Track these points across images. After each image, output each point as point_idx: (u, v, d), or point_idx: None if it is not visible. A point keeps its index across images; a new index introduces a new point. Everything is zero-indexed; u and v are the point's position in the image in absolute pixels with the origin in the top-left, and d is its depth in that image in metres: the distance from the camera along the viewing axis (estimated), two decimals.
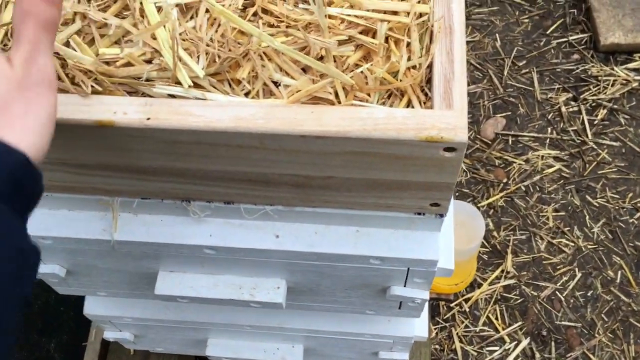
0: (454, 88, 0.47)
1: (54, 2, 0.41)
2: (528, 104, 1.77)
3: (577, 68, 1.81)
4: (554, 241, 1.56)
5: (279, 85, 0.49)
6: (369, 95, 0.49)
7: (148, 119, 0.47)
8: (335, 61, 0.49)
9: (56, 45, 0.48)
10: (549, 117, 1.75)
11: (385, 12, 0.50)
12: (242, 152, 0.49)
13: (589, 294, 1.49)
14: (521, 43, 1.88)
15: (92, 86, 0.48)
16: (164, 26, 0.48)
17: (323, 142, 0.47)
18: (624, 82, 1.77)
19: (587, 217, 1.59)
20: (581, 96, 1.76)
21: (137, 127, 0.47)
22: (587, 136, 1.70)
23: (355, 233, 0.59)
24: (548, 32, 1.88)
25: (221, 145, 0.48)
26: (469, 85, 1.80)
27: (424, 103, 0.49)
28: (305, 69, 0.49)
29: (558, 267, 1.53)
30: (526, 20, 1.91)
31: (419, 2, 0.51)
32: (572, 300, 1.48)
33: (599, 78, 1.79)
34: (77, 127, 0.47)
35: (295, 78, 0.49)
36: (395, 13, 0.51)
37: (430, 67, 0.49)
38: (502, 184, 1.64)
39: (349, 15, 0.49)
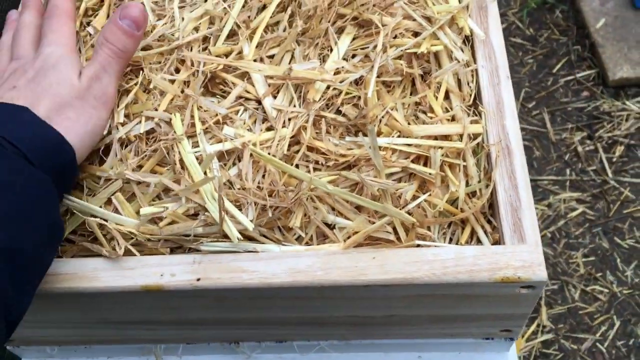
0: (523, 218, 0.44)
1: (132, 35, 0.48)
2: (543, 146, 1.74)
3: (589, 105, 1.78)
4: (588, 289, 1.51)
5: (334, 227, 0.46)
6: (429, 228, 0.46)
7: (198, 279, 0.43)
8: (391, 196, 0.46)
9: (96, 209, 0.45)
10: (566, 158, 1.72)
11: (436, 138, 0.47)
12: (299, 302, 0.46)
13: (630, 343, 1.44)
14: (528, 84, 1.86)
15: (133, 246, 0.45)
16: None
17: (388, 289, 0.43)
18: (638, 115, 1.75)
19: (618, 260, 1.55)
20: (596, 134, 1.73)
21: (186, 289, 0.43)
22: (607, 175, 1.67)
23: (417, 359, 0.55)
24: (554, 70, 1.86)
25: (277, 298, 0.45)
26: None
27: (490, 233, 0.46)
28: (359, 207, 0.46)
29: (595, 317, 1.48)
30: (531, 61, 1.90)
31: (471, 122, 0.48)
32: (614, 352, 1.43)
33: (612, 114, 1.76)
34: (122, 292, 0.44)
35: (350, 218, 0.45)
36: (446, 137, 0.48)
37: (492, 193, 0.46)
38: None
39: (397, 144, 0.46)
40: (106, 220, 0.44)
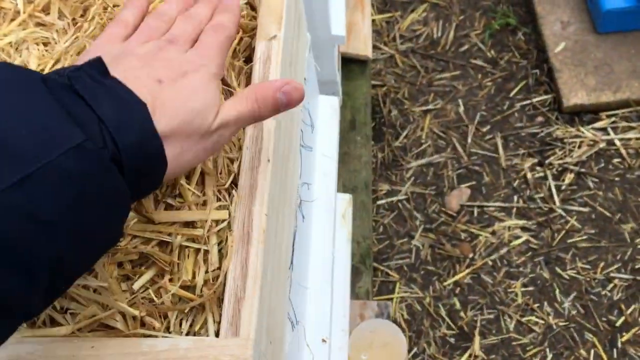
0: (243, 310, 0.45)
1: (278, 109, 0.47)
2: (493, 171, 1.73)
3: (542, 131, 1.76)
4: (523, 319, 1.50)
5: (66, 312, 0.47)
6: (165, 316, 0.47)
7: None
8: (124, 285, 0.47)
9: None
10: (515, 184, 1.70)
11: (178, 224, 0.48)
12: None
13: None
14: (484, 107, 1.84)
15: None
16: None
17: None
18: (591, 142, 1.72)
19: (557, 291, 1.53)
20: (547, 161, 1.71)
21: None
22: (554, 203, 1.65)
23: None
24: (511, 94, 1.84)
25: None
26: (432, 155, 1.76)
27: (219, 323, 0.46)
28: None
29: (528, 349, 1.46)
30: (489, 84, 1.88)
31: (219, 208, 0.49)
32: None
33: (565, 140, 1.74)
34: None
35: (86, 305, 0.46)
36: (191, 223, 0.48)
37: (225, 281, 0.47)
38: (468, 260, 1.60)
39: (134, 230, 0.47)
40: None
